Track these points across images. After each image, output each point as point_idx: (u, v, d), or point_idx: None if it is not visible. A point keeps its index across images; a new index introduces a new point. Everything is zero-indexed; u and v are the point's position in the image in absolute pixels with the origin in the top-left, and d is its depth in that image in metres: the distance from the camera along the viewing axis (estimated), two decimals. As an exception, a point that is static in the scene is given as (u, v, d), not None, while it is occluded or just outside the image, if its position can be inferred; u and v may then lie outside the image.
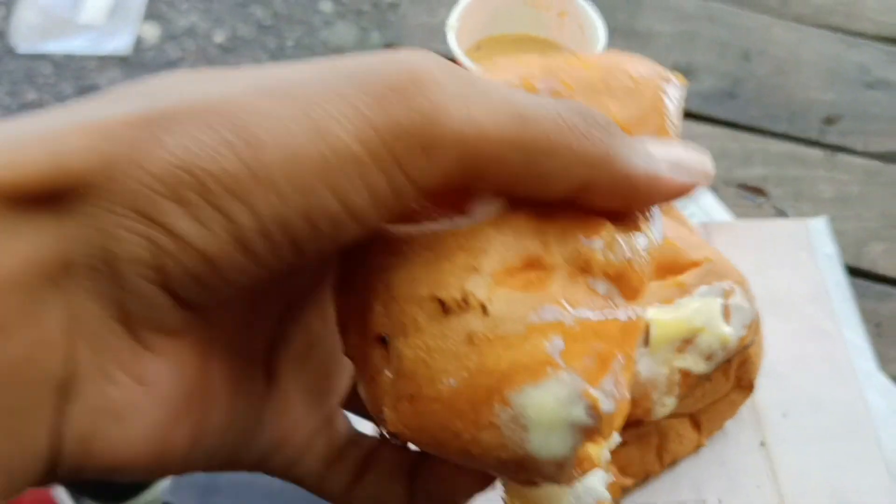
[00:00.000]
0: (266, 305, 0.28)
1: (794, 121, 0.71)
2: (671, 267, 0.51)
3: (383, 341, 0.25)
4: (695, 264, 0.51)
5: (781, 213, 0.65)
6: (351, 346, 0.27)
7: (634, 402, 0.48)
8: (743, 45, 0.76)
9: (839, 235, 0.64)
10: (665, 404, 0.48)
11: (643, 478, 0.52)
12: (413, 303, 0.24)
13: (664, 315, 0.48)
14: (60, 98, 1.52)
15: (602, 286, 0.25)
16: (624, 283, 0.26)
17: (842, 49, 0.76)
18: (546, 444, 0.24)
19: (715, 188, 0.67)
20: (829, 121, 0.71)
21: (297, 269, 0.24)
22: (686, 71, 0.74)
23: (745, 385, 0.53)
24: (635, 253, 0.26)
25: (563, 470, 0.25)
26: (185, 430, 0.24)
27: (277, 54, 1.70)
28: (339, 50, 1.65)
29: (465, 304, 0.24)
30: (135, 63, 1.59)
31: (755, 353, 0.52)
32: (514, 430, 0.24)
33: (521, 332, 0.24)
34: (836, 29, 0.78)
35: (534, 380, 0.23)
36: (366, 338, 0.26)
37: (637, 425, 0.49)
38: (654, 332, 0.48)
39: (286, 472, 0.29)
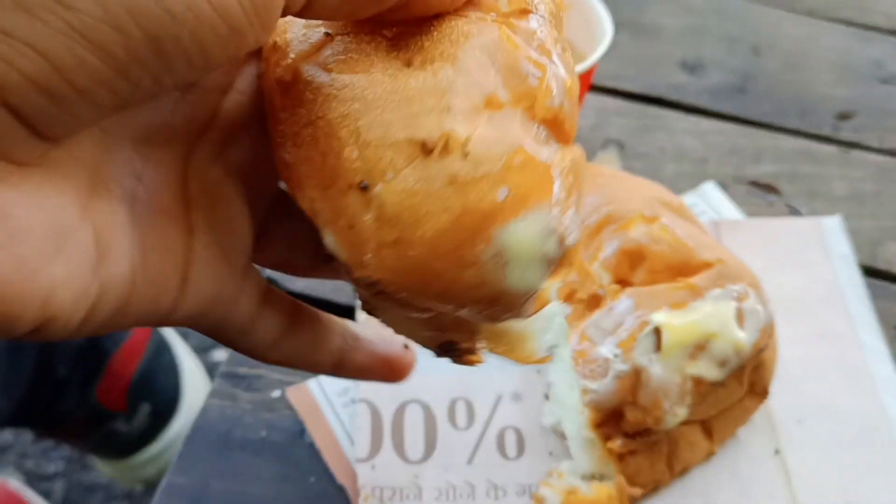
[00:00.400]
0: (159, 153, 0.27)
1: (806, 116, 0.69)
2: (682, 268, 0.49)
3: (362, 187, 0.25)
4: (707, 265, 0.49)
5: (794, 212, 0.63)
6: (311, 198, 0.26)
7: (645, 409, 0.47)
8: (752, 40, 0.74)
9: (854, 235, 0.62)
10: (676, 414, 0.46)
11: (653, 488, 0.50)
12: (390, 147, 0.25)
13: (676, 319, 0.47)
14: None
15: (542, 131, 0.27)
16: (558, 128, 0.27)
17: (854, 43, 0.74)
18: (522, 278, 0.26)
19: (725, 185, 0.64)
20: (843, 116, 0.69)
21: (181, 103, 0.25)
22: (694, 66, 0.72)
23: (758, 391, 0.51)
24: (563, 96, 0.27)
25: (530, 303, 0.27)
26: (66, 271, 0.22)
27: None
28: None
29: (445, 146, 0.25)
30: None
31: (769, 357, 0.50)
32: (494, 266, 0.25)
33: (499, 172, 0.25)
34: (848, 23, 0.76)
35: (515, 215, 0.25)
36: (334, 187, 0.26)
37: (647, 434, 0.48)
38: (665, 337, 0.46)
39: (215, 332, 0.29)
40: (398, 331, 0.32)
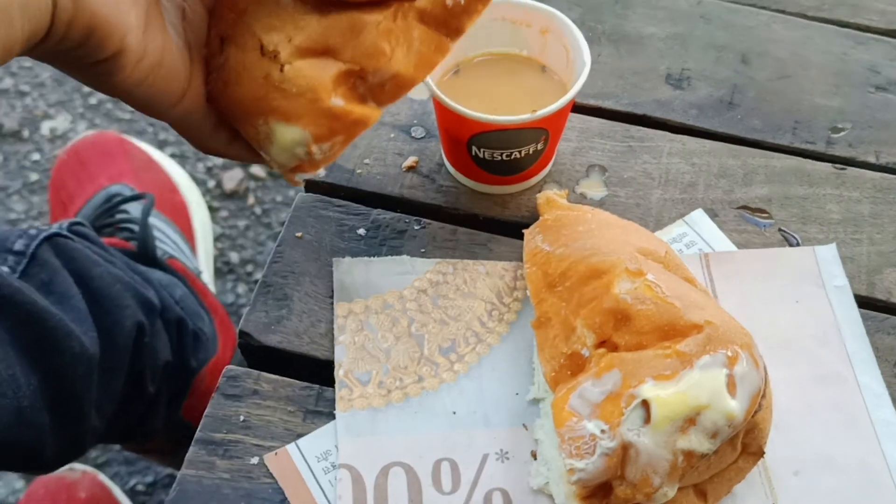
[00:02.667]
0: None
1: (798, 131, 0.66)
2: (669, 331, 0.47)
3: (221, 41, 0.45)
4: (695, 327, 0.47)
5: (787, 239, 0.61)
6: (213, 21, 0.45)
7: (634, 486, 0.45)
8: (741, 47, 0.71)
9: (850, 262, 0.59)
10: (667, 494, 0.44)
11: (646, 554, 0.48)
12: (248, 34, 0.43)
13: (665, 392, 0.44)
14: (37, 85, 1.46)
15: (361, 87, 0.45)
16: (379, 90, 0.46)
17: (849, 46, 0.71)
18: (278, 156, 0.45)
19: (715, 212, 0.62)
20: (837, 129, 0.66)
21: None
22: (680, 79, 0.69)
23: (753, 451, 0.49)
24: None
25: (286, 167, 0.46)
26: (136, 21, 0.39)
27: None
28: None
29: (273, 55, 0.43)
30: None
31: (764, 418, 0.48)
32: (264, 138, 0.44)
33: (296, 91, 0.43)
34: (842, 23, 0.73)
35: (286, 122, 0.43)
36: (216, 28, 0.45)
37: (637, 506, 0.46)
38: (654, 412, 0.44)
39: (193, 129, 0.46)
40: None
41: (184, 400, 0.84)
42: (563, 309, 0.51)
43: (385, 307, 0.56)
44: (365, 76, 0.44)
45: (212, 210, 1.37)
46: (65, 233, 0.71)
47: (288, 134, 0.43)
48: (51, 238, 0.69)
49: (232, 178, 1.44)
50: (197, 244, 0.98)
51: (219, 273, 1.31)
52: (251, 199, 1.41)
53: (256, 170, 1.44)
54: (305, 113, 0.43)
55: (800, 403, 0.54)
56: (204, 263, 1.00)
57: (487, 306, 0.57)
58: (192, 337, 0.81)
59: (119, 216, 0.86)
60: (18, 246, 0.67)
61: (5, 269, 0.65)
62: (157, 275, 0.81)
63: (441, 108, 0.57)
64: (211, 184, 1.43)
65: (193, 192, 1.05)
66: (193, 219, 1.00)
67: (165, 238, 0.90)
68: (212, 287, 0.98)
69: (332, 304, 0.57)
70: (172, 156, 1.40)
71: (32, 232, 0.69)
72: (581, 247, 0.52)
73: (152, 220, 0.88)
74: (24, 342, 0.63)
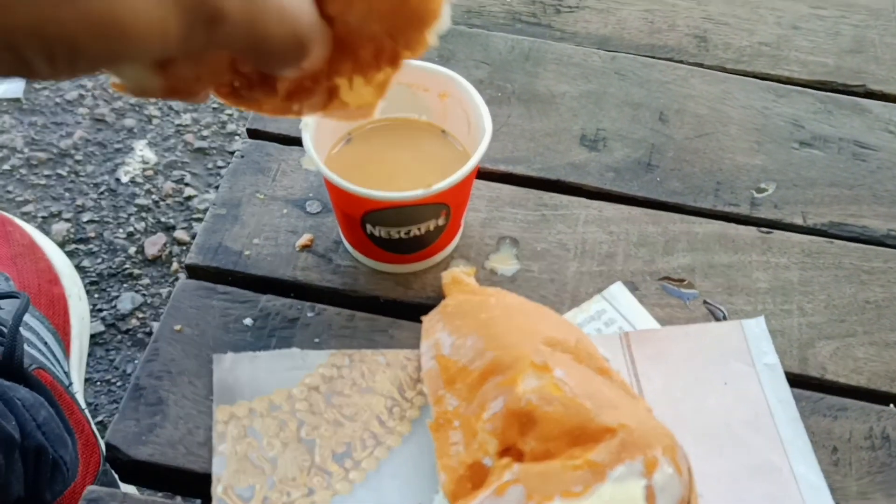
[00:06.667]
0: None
1: (721, 193, 0.62)
2: (580, 435, 0.41)
3: None
4: (608, 431, 0.41)
5: (713, 312, 0.56)
6: None
7: None
8: (658, 104, 0.67)
9: (780, 335, 0.55)
10: None
11: None
12: None
13: (573, 511, 0.39)
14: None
15: None
16: None
17: (770, 100, 0.67)
18: None
19: (635, 285, 0.57)
20: (761, 189, 0.62)
21: None
22: (595, 140, 0.64)
23: (680, 564, 0.43)
24: None
25: None
26: None
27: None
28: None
29: None
30: (28, 107, 1.47)
31: (689, 527, 0.43)
32: None
33: None
34: (762, 76, 0.69)
35: None
36: None
37: None
38: (562, 535, 0.38)
39: None
40: None
41: None
42: (463, 409, 0.45)
43: (271, 409, 0.50)
44: None
45: (133, 278, 1.30)
46: None
47: None
48: None
49: (154, 243, 1.37)
50: (72, 343, 0.90)
51: (141, 345, 1.23)
52: (174, 265, 1.34)
53: (180, 234, 1.37)
54: None
55: (732, 499, 0.48)
56: (76, 365, 0.92)
57: (388, 402, 0.51)
58: (50, 467, 0.73)
59: None
60: None
61: None
62: (21, 392, 0.73)
63: (330, 184, 0.52)
64: (132, 250, 1.36)
65: (75, 284, 0.97)
66: (71, 314, 0.92)
67: (36, 340, 0.82)
68: (80, 395, 0.89)
69: (212, 407, 0.51)
70: (91, 221, 1.32)
71: None
72: (483, 338, 0.47)
73: (25, 317, 0.81)
74: None
